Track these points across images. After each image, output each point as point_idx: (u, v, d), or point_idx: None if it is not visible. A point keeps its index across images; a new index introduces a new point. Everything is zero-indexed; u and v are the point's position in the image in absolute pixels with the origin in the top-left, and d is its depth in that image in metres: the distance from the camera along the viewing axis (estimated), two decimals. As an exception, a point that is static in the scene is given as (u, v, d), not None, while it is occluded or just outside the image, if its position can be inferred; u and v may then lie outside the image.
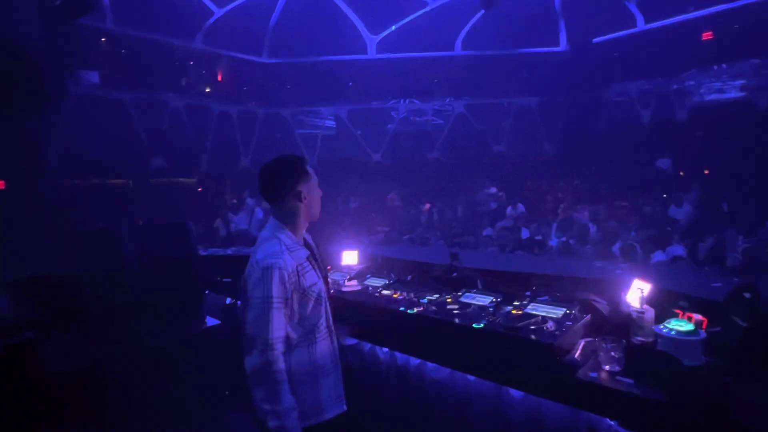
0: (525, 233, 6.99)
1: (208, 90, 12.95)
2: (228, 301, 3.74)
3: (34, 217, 7.61)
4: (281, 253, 1.66)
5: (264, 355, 1.57)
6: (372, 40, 13.37)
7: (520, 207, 9.28)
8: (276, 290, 1.59)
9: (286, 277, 1.63)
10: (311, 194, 1.80)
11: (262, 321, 1.58)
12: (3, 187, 8.33)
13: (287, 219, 1.77)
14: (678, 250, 5.40)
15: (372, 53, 13.42)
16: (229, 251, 4.72)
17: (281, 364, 1.59)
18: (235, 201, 10.71)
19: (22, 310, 2.87)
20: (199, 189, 12.19)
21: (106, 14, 9.92)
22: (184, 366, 3.13)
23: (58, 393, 2.50)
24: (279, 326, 1.60)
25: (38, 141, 8.55)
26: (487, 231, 8.31)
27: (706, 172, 10.25)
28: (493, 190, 10.76)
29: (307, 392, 1.69)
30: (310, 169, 1.83)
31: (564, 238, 6.64)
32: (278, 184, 1.76)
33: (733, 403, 1.54)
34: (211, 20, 11.81)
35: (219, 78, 13.22)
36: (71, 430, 2.51)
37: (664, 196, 9.13)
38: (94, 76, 9.79)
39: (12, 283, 3.08)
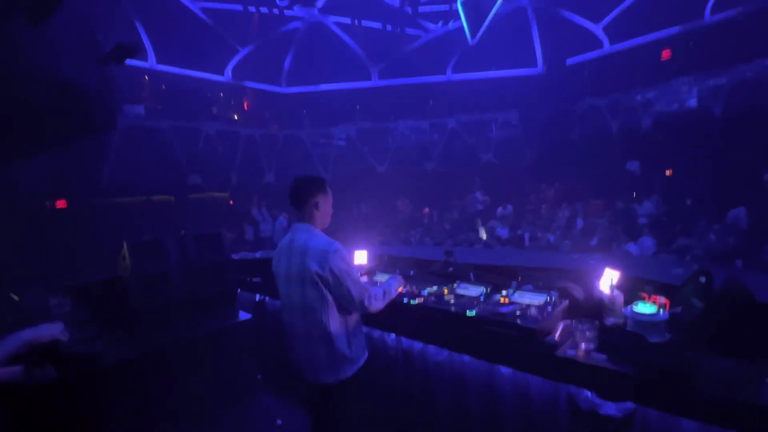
0: (512, 231, 6.96)
1: (236, 117, 13.11)
2: (258, 297, 3.77)
3: (92, 230, 7.75)
4: (333, 240, 1.88)
5: (369, 296, 1.89)
6: (375, 68, 13.45)
7: (509, 207, 9.25)
8: (350, 260, 1.88)
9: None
10: (325, 206, 1.99)
11: (356, 281, 1.85)
12: (65, 206, 8.50)
13: (310, 220, 1.96)
14: (647, 241, 5.35)
15: (375, 80, 13.49)
16: (257, 255, 4.74)
17: (372, 289, 1.95)
18: (264, 208, 10.78)
19: (83, 311, 2.92)
20: (231, 202, 12.31)
21: (148, 55, 10.11)
22: (221, 354, 3.16)
23: (113, 379, 2.54)
24: (360, 280, 1.92)
25: (93, 166, 8.73)
26: (479, 230, 8.29)
27: (668, 173, 10.14)
28: (479, 195, 10.74)
29: (360, 339, 2.00)
30: (327, 188, 2.02)
31: (546, 234, 6.60)
32: (302, 194, 1.95)
33: (694, 374, 1.54)
34: (237, 57, 11.97)
35: (245, 106, 13.38)
36: (125, 411, 2.55)
37: (634, 194, 9.05)
38: (139, 109, 9.97)
39: (74, 287, 3.15)
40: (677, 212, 7.24)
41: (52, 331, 1.50)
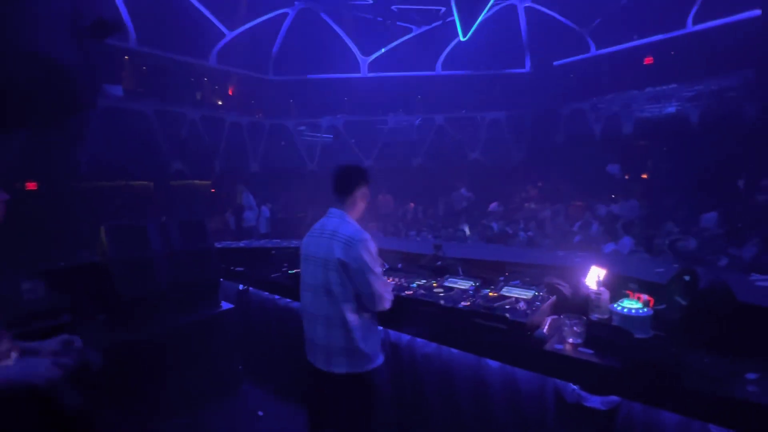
0: (499, 228, 7.05)
1: (220, 103, 12.79)
2: (240, 287, 3.69)
3: (66, 214, 7.45)
4: (363, 229, 1.91)
5: (387, 290, 1.92)
6: (364, 60, 13.32)
7: (500, 206, 9.38)
8: (375, 253, 1.89)
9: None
10: (363, 198, 2.05)
11: (377, 274, 1.86)
12: (35, 188, 8.13)
13: (348, 209, 1.99)
14: (627, 241, 5.49)
15: (364, 72, 13.38)
16: (241, 244, 4.65)
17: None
18: (251, 196, 10.54)
19: (58, 297, 2.80)
20: (213, 190, 12.03)
21: (129, 35, 9.71)
22: (202, 344, 3.09)
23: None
24: (382, 274, 1.94)
25: (69, 148, 8.36)
26: (463, 226, 8.34)
27: (644, 176, 10.44)
28: (464, 191, 10.82)
29: (375, 336, 1.98)
30: (369, 182, 2.07)
31: (530, 232, 6.70)
32: (349, 181, 2.00)
33: (677, 369, 1.58)
34: (223, 42, 11.65)
35: (230, 92, 13.06)
36: (104, 401, 2.46)
37: (613, 196, 9.28)
38: (118, 90, 9.58)
39: (48, 271, 3.01)
40: (654, 214, 7.47)
41: (39, 376, 1.18)
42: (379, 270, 1.87)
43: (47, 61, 2.65)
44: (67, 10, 3.21)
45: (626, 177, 10.48)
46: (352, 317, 1.85)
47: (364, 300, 1.86)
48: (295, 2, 12.18)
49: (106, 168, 8.73)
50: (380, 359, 1.96)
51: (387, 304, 1.92)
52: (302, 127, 13.06)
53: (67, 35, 3.11)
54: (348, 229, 1.87)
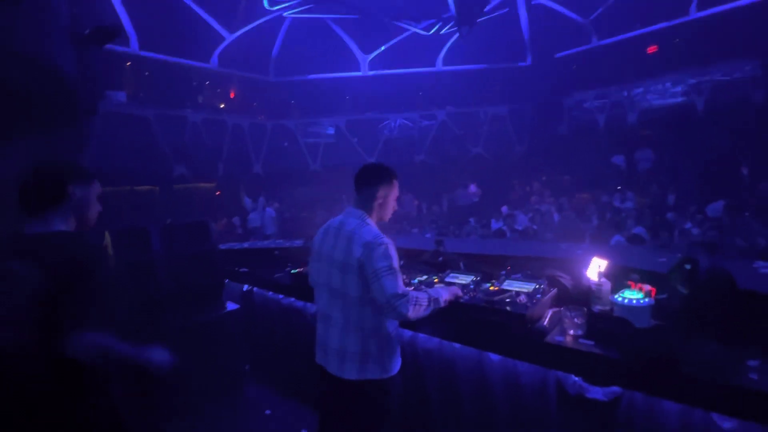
0: (496, 224, 7.02)
1: (222, 105, 12.86)
2: (245, 288, 3.72)
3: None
4: (382, 234, 1.79)
5: (407, 299, 1.69)
6: (364, 59, 13.31)
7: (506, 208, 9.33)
8: (394, 260, 1.74)
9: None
10: (386, 200, 1.91)
11: (394, 282, 1.69)
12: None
13: (369, 210, 1.88)
14: (639, 231, 5.46)
15: (365, 71, 13.36)
16: (245, 245, 4.68)
17: (414, 293, 1.75)
18: (252, 197, 10.61)
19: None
20: (217, 192, 12.10)
21: (130, 40, 9.79)
22: (208, 345, 3.13)
23: (99, 369, 2.48)
24: (402, 282, 1.74)
25: (72, 153, 8.45)
26: (469, 222, 8.33)
27: (649, 167, 10.34)
28: (473, 187, 10.80)
29: (391, 344, 1.84)
30: (395, 182, 1.93)
31: (533, 226, 6.67)
32: (366, 179, 1.89)
33: (679, 359, 1.57)
34: (224, 44, 11.69)
35: (232, 95, 13.12)
36: (111, 400, 2.50)
37: (618, 188, 9.20)
38: (121, 96, 9.66)
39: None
40: (660, 205, 7.41)
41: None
42: (398, 275, 1.73)
43: (47, 68, 2.70)
44: (65, 17, 3.25)
45: (631, 168, 10.37)
46: (369, 323, 1.76)
47: (382, 307, 1.74)
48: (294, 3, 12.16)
49: (109, 173, 8.80)
50: (395, 369, 1.84)
51: (411, 313, 1.72)
52: (304, 128, 13.08)
53: (66, 42, 3.15)
54: (368, 233, 1.76)
